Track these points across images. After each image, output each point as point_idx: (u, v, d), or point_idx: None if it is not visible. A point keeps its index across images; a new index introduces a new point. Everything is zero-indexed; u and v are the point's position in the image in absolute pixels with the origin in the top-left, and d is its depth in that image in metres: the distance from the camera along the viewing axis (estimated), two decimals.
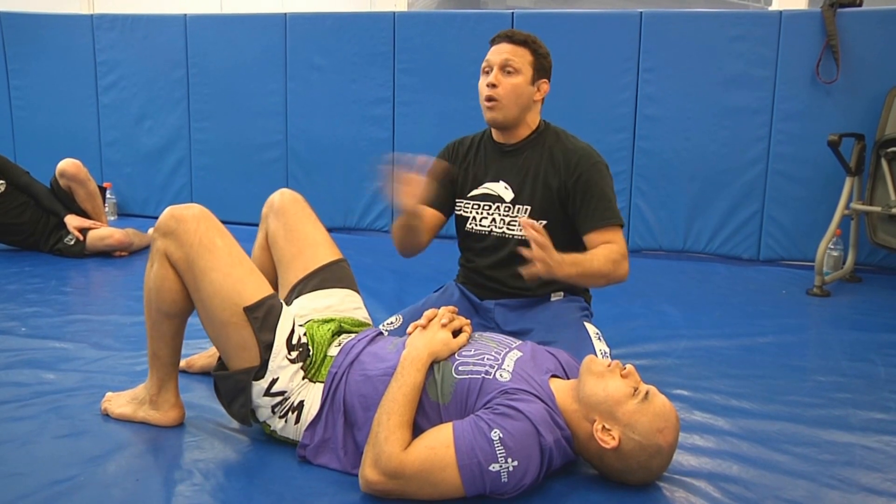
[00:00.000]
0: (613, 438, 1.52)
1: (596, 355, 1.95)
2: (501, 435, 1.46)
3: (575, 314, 2.20)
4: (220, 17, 4.96)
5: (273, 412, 1.72)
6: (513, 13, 4.30)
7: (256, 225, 2.13)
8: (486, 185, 2.26)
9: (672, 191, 4.23)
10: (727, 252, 4.22)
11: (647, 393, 1.54)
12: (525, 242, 2.14)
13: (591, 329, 2.14)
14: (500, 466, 1.45)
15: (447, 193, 2.31)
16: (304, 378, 1.73)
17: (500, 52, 2.15)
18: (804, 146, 3.99)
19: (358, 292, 2.04)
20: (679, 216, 4.25)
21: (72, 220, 3.88)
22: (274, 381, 1.69)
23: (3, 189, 3.85)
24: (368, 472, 1.50)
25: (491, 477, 1.46)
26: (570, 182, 2.16)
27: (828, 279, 3.55)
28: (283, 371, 1.70)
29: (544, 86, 2.21)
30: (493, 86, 2.14)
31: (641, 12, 4.15)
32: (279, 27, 4.70)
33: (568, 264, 1.93)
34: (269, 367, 1.69)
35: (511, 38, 2.16)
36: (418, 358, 1.62)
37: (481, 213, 2.26)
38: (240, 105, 4.86)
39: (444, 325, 1.70)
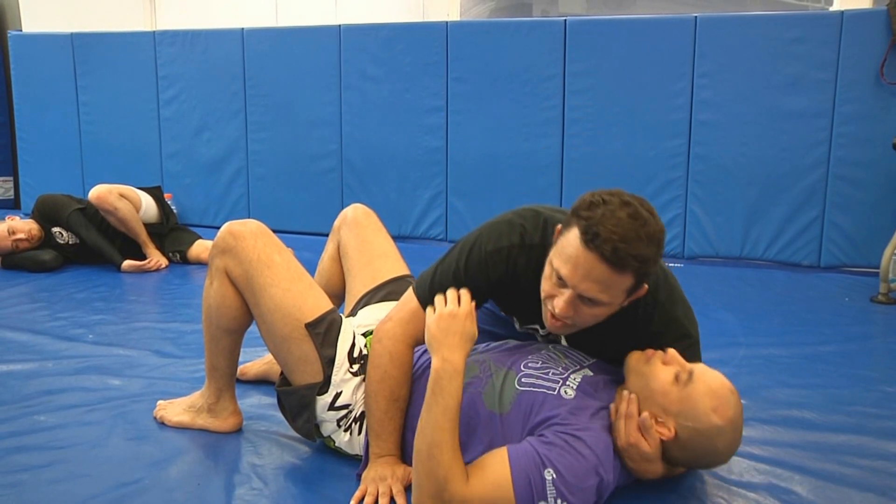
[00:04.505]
0: (669, 430, 1.48)
1: None
2: (554, 476, 1.40)
3: None
4: (275, 30, 5.06)
5: (339, 426, 1.73)
6: (565, 20, 4.28)
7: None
8: (538, 327, 1.79)
9: (729, 197, 4.16)
10: (786, 258, 4.13)
11: (690, 374, 1.48)
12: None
13: None
14: None
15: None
16: None
17: (586, 278, 1.44)
18: (867, 149, 3.88)
19: None
20: (736, 222, 4.17)
21: (128, 268, 3.86)
22: (338, 395, 1.70)
23: (77, 240, 3.93)
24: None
25: None
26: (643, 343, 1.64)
27: (893, 286, 3.44)
28: (347, 384, 1.71)
29: (642, 291, 1.53)
30: (567, 313, 1.51)
31: (696, 17, 4.09)
32: (333, 39, 4.78)
33: None
34: (333, 381, 1.70)
35: (615, 263, 1.41)
36: (455, 372, 1.46)
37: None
38: (295, 116, 4.95)
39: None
